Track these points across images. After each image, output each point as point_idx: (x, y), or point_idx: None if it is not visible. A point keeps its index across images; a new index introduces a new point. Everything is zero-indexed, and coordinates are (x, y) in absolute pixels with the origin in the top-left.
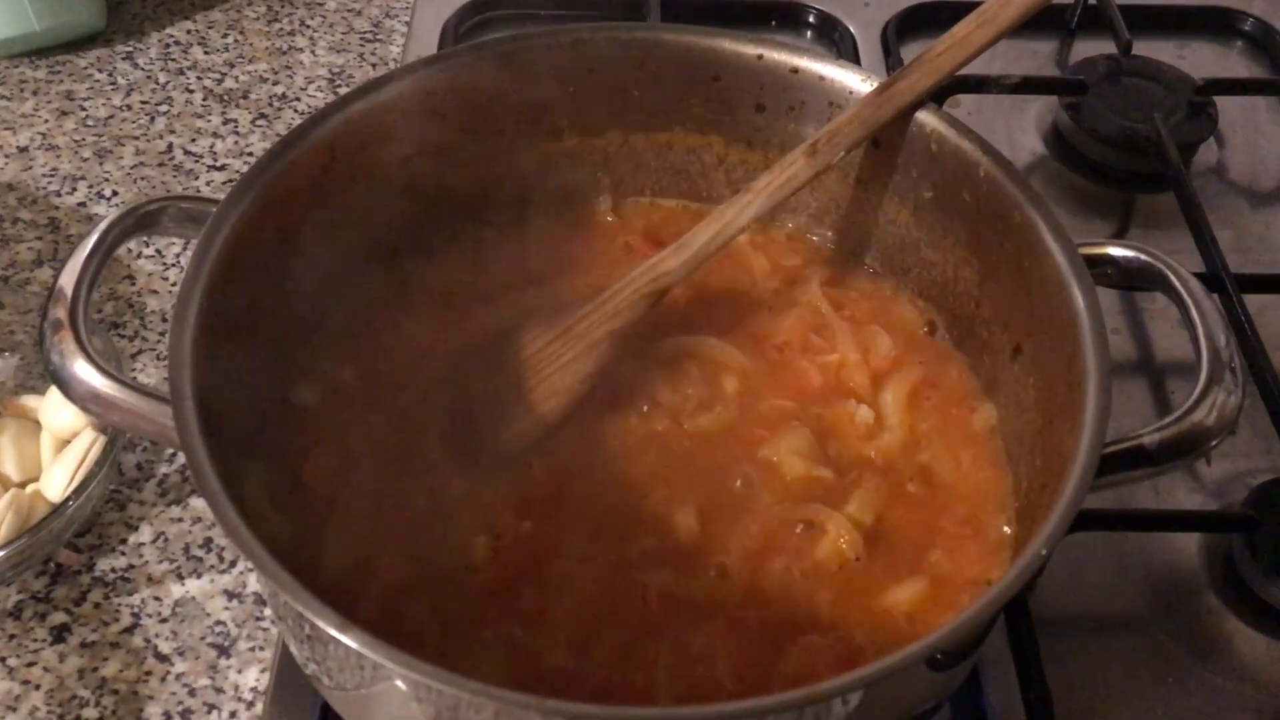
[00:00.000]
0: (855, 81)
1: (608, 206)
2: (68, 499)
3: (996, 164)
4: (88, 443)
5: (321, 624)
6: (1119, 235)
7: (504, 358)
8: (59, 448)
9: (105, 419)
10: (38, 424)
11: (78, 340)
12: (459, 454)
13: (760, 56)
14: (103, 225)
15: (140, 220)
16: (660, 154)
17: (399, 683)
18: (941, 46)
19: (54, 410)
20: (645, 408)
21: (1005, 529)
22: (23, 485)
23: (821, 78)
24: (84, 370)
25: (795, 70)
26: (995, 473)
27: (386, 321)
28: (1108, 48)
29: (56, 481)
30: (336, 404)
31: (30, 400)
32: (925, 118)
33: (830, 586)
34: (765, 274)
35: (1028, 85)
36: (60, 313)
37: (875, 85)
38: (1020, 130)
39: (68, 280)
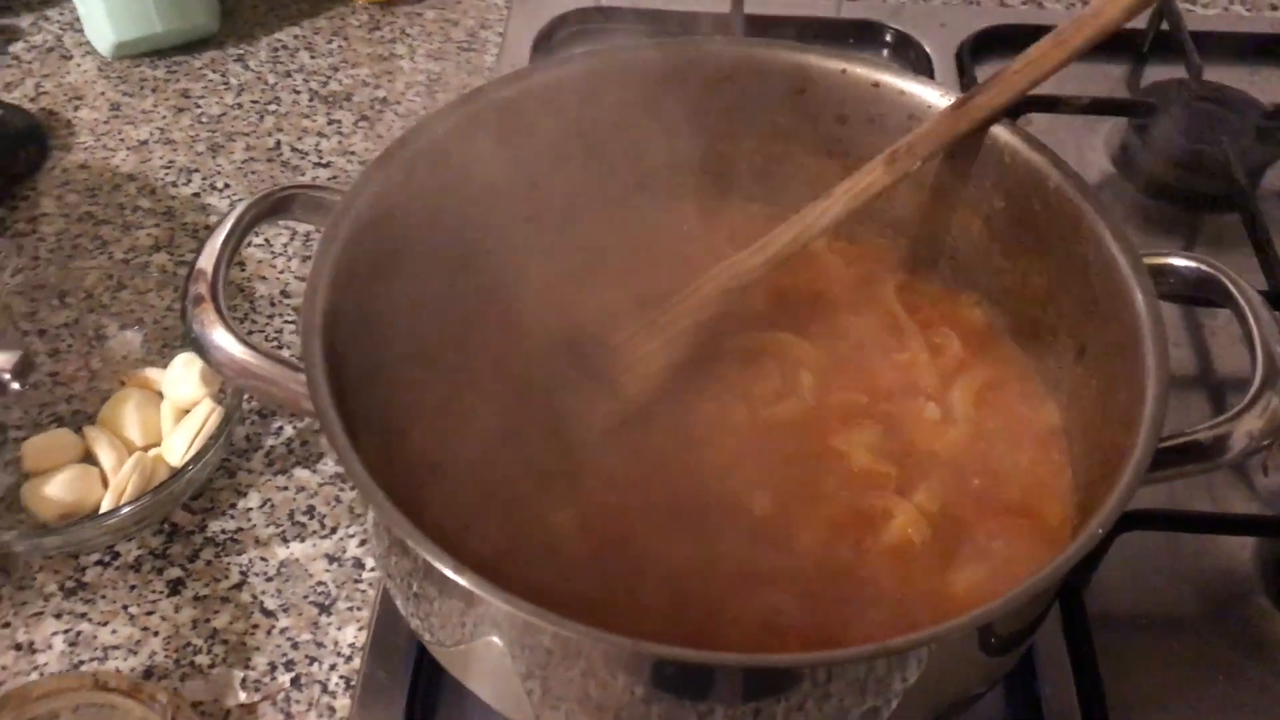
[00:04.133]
0: (934, 96)
1: (693, 209)
2: (186, 464)
3: (1066, 176)
4: (205, 413)
5: (439, 565)
6: None
7: (594, 344)
8: (178, 417)
9: (240, 383)
10: (159, 395)
11: (218, 311)
12: (550, 432)
13: (844, 71)
14: (239, 209)
15: (274, 205)
16: (744, 161)
17: (495, 639)
18: (1017, 65)
19: (175, 382)
20: (724, 396)
21: (1065, 521)
22: (145, 450)
23: (902, 92)
24: (223, 338)
25: (877, 84)
26: (1056, 468)
27: (487, 306)
28: (1179, 73)
29: (176, 448)
30: (440, 381)
31: (152, 373)
32: (999, 132)
33: (896, 569)
34: (841, 276)
35: (1098, 106)
36: (201, 288)
37: (953, 100)
38: (1090, 150)
39: (206, 259)
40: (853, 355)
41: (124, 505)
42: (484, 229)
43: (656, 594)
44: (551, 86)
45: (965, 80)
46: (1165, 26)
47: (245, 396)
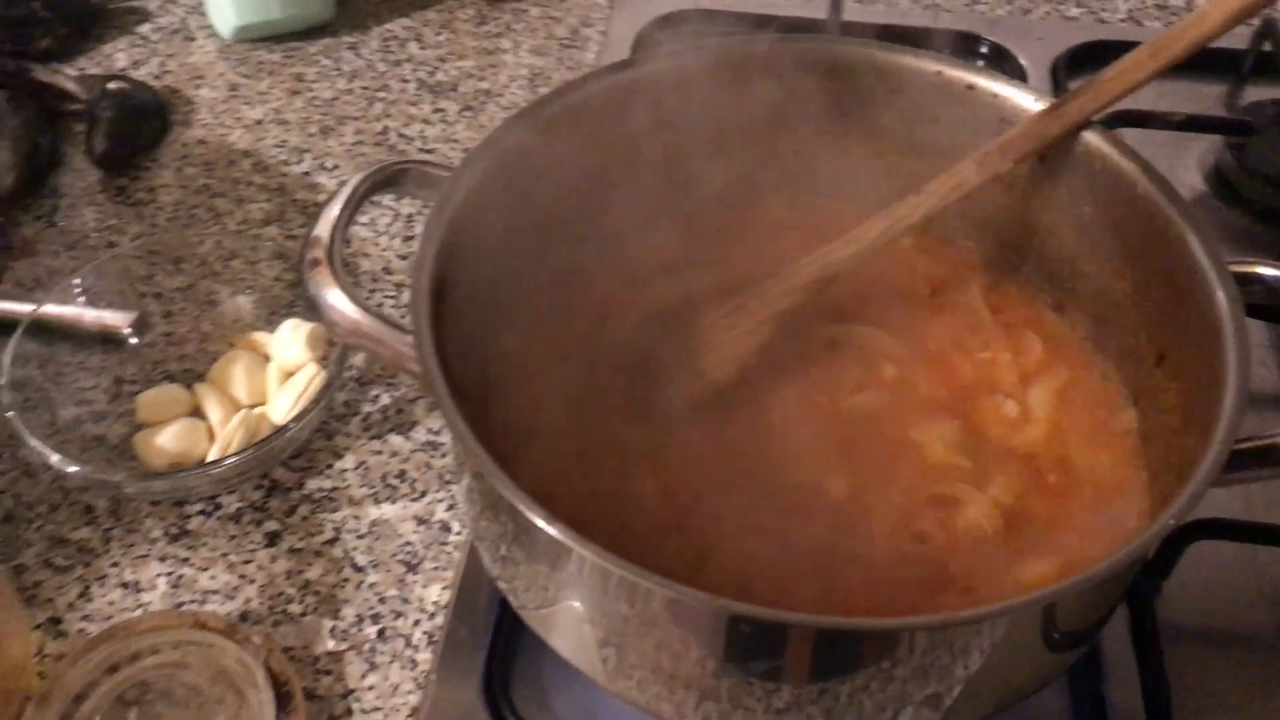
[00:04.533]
0: (1027, 100)
1: (784, 201)
2: (289, 423)
3: (1154, 182)
4: (309, 376)
5: (529, 513)
6: None
7: (682, 325)
8: (283, 379)
9: (351, 341)
10: (266, 357)
11: (334, 274)
12: (636, 406)
13: (939, 73)
14: (355, 179)
15: (388, 177)
16: (837, 158)
17: (576, 603)
18: (1112, 72)
19: (282, 346)
20: (806, 383)
21: (1138, 521)
22: (251, 408)
23: (995, 95)
24: (338, 299)
25: (971, 87)
26: (1132, 470)
27: (582, 283)
28: (1278, 94)
29: (281, 407)
30: (533, 353)
31: (260, 336)
32: (1090, 137)
33: (967, 558)
34: (927, 274)
35: (1193, 123)
36: (318, 252)
37: (1046, 104)
38: (1183, 167)
39: (323, 227)
40: (935, 351)
41: (229, 457)
42: (581, 210)
43: (728, 570)
44: (651, 79)
45: (1059, 94)
46: (1267, 47)
47: (347, 365)
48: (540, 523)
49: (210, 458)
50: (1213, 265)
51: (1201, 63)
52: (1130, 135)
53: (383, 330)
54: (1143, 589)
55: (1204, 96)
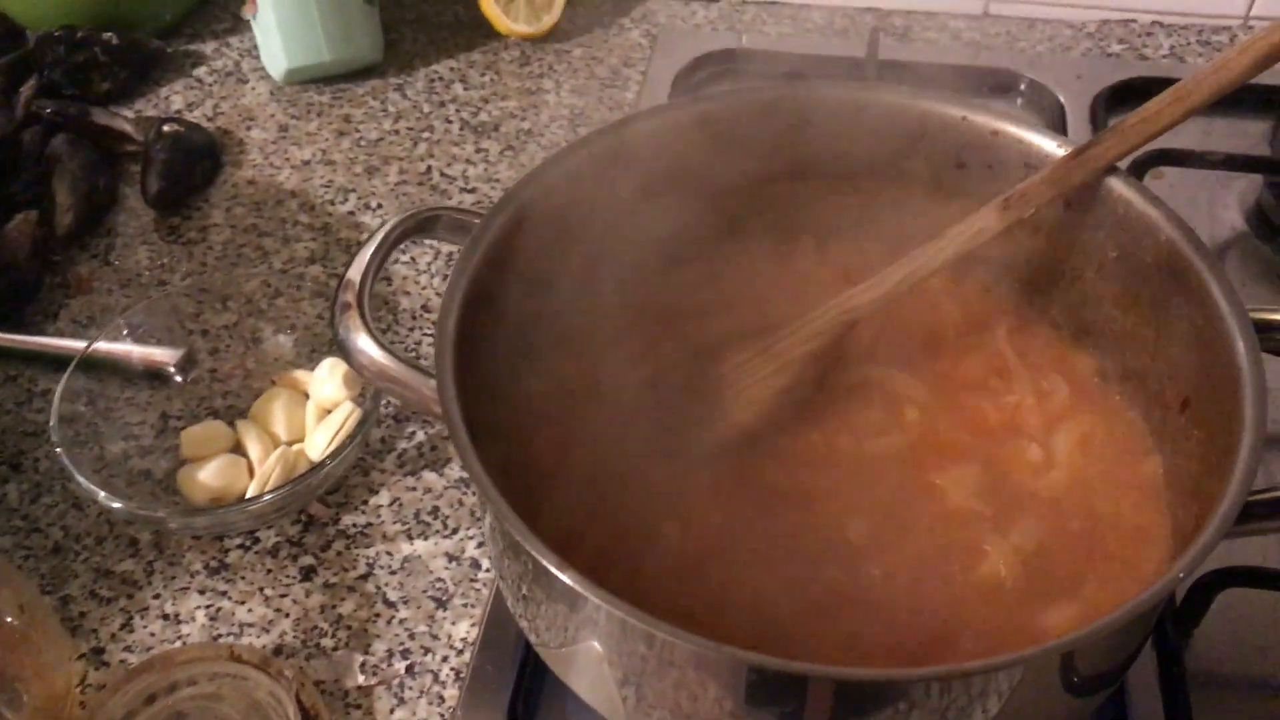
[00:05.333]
0: (1051, 146)
1: (811, 245)
2: (325, 460)
3: (1178, 228)
4: (345, 414)
5: (543, 560)
6: None
7: (707, 368)
8: (321, 416)
9: (378, 385)
10: (305, 395)
11: (363, 319)
12: (660, 449)
13: (964, 118)
14: (387, 225)
15: (419, 224)
16: (864, 202)
17: (595, 643)
18: (1135, 119)
19: (320, 383)
20: (829, 426)
21: (1159, 569)
22: (289, 444)
23: (1020, 140)
24: (366, 343)
25: (995, 133)
26: (1155, 517)
27: (610, 327)
28: None
29: (318, 443)
30: (560, 396)
31: (300, 374)
32: (1115, 183)
33: (986, 604)
34: (953, 318)
35: (1231, 162)
36: (349, 296)
37: (1069, 150)
38: (1222, 206)
39: (355, 270)
40: (959, 395)
41: (267, 493)
42: (609, 254)
43: (748, 612)
44: (681, 124)
45: (1097, 133)
46: None
47: (383, 401)
48: (554, 570)
49: (249, 493)
50: (1233, 312)
51: (1243, 100)
52: (1171, 174)
53: (408, 374)
54: (1172, 637)
55: (1245, 134)
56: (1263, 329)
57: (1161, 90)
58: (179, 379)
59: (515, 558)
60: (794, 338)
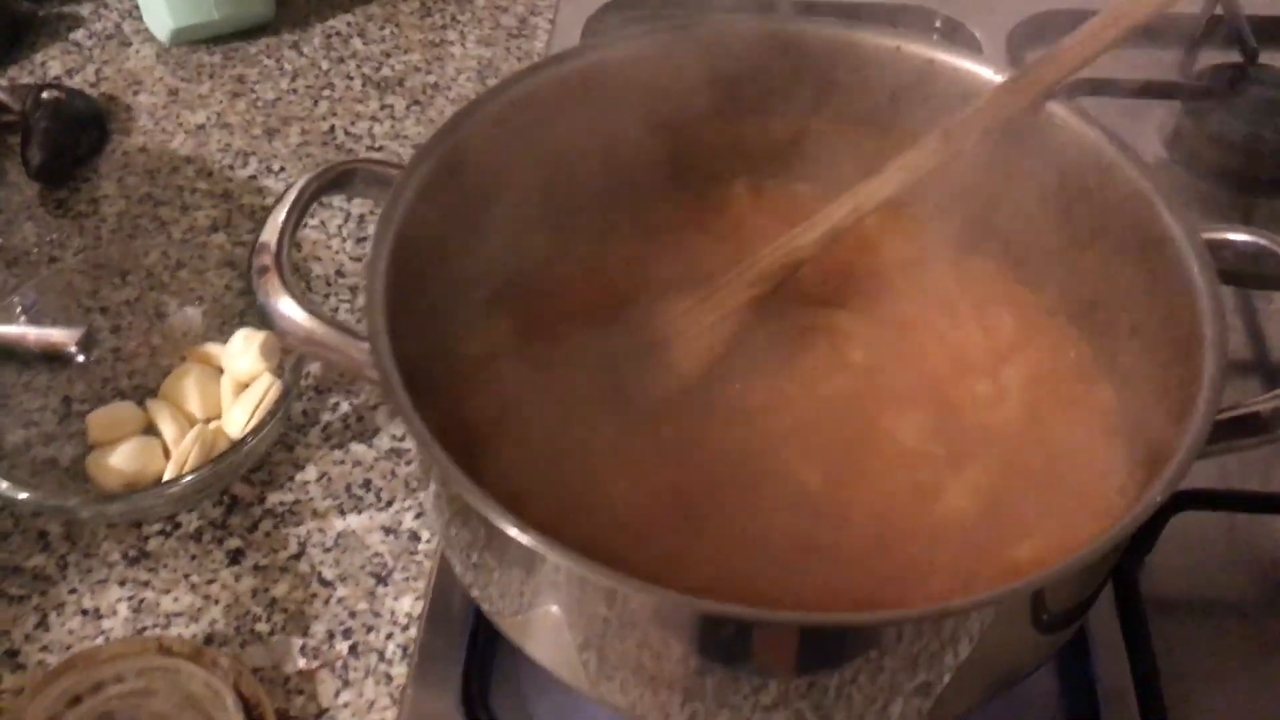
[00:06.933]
0: (988, 73)
1: (744, 188)
2: (246, 437)
3: (1121, 151)
4: (264, 387)
5: (499, 523)
6: None
7: (647, 319)
8: (237, 391)
9: (305, 350)
10: (218, 369)
11: (283, 281)
12: (605, 405)
13: (898, 48)
14: (300, 183)
15: (335, 179)
16: (796, 140)
17: (554, 607)
18: (1071, 41)
19: (235, 357)
20: (777, 372)
21: (1118, 498)
22: (206, 422)
23: (956, 69)
24: (290, 307)
25: (931, 61)
26: (1110, 447)
27: (543, 281)
28: (1233, 58)
29: (236, 420)
30: (496, 354)
31: (212, 348)
32: (1053, 108)
33: (948, 544)
34: (895, 255)
35: (1151, 90)
36: (266, 259)
37: (1007, 76)
38: (1142, 135)
39: (270, 233)
40: (905, 334)
41: (186, 474)
42: (537, 204)
43: (707, 565)
44: (602, 66)
45: (1016, 67)
46: (1219, 11)
47: (304, 373)
48: (512, 531)
49: (166, 476)
50: (1185, 233)
51: (1153, 29)
52: (1088, 104)
53: (338, 338)
54: (1126, 564)
55: (1158, 63)
56: (1214, 248)
57: (1077, 23)
58: (80, 359)
59: (464, 525)
60: (735, 284)
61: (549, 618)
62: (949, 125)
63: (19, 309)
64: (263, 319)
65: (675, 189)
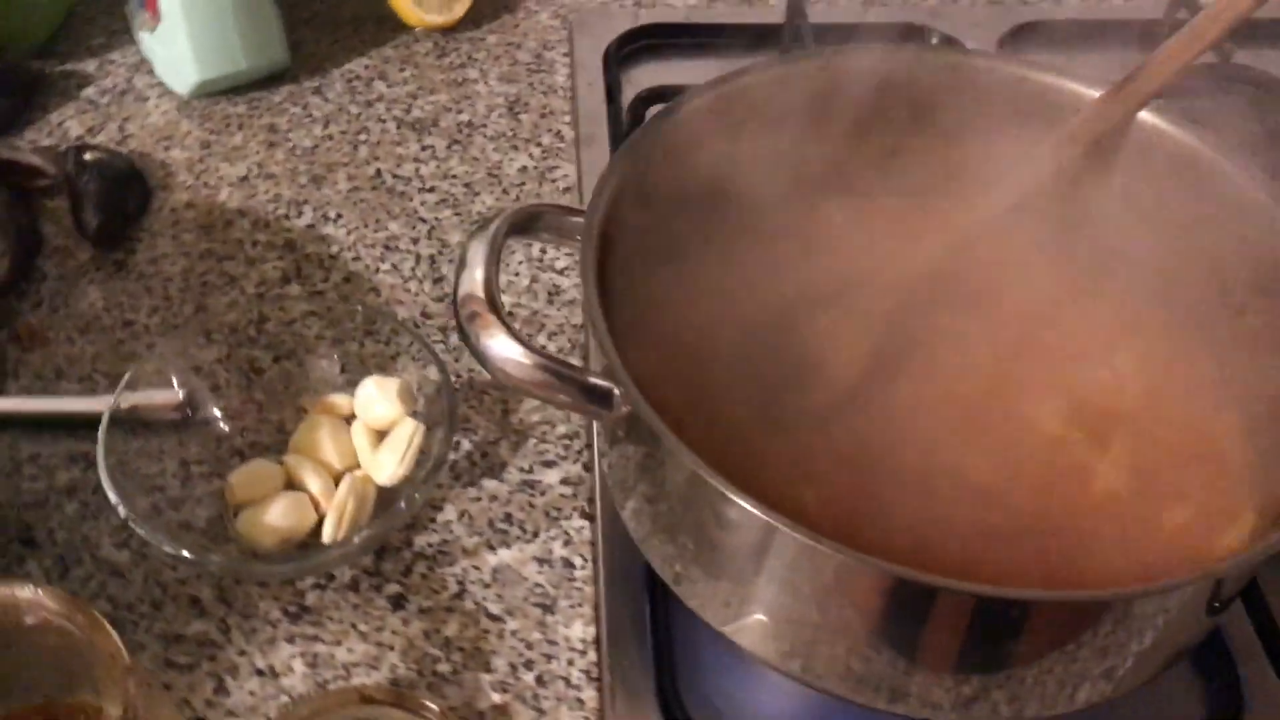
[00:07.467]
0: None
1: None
2: (414, 485)
3: (1216, 149)
4: (409, 431)
5: (773, 520)
6: None
7: (802, 332)
8: (373, 439)
9: (526, 390)
10: (344, 419)
11: (501, 323)
12: (773, 416)
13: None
14: (492, 227)
15: (522, 225)
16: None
17: (761, 616)
18: (1174, 42)
19: (369, 404)
20: (923, 374)
21: (1245, 462)
22: (345, 472)
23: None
24: (511, 349)
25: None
26: (1230, 415)
27: (709, 300)
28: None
29: (385, 466)
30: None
31: (337, 398)
32: (1145, 116)
33: (1109, 516)
34: (1000, 257)
35: None
36: (475, 306)
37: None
38: None
39: (473, 284)
40: (1024, 330)
41: (362, 529)
42: (706, 226)
43: (901, 560)
44: (771, 84)
45: None
46: (1183, 15)
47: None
48: (787, 529)
49: (327, 529)
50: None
51: (1118, 30)
52: None
53: (572, 374)
54: None
55: (1126, 65)
56: None
57: (1065, 32)
58: (203, 421)
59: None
60: (873, 295)
61: (756, 627)
62: (1072, 128)
63: (139, 377)
64: (480, 362)
65: (832, 208)
